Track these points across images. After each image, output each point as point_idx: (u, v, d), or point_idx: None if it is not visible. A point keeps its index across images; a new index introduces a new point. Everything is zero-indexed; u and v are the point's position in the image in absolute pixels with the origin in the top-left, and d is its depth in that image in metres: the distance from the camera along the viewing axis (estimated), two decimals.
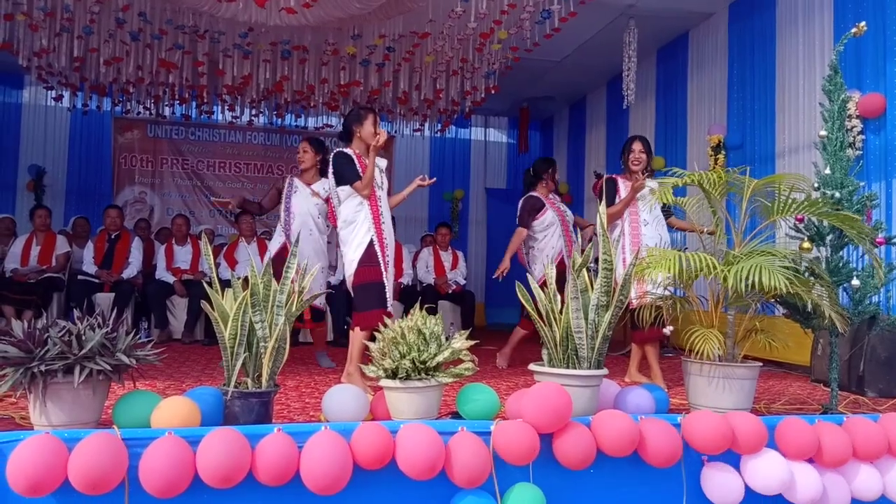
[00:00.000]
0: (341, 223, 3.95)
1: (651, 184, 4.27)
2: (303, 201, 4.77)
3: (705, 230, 3.57)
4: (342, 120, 8.99)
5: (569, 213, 5.23)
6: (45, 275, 6.53)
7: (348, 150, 3.98)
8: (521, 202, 5.13)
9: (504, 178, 10.93)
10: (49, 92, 7.85)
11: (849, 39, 3.41)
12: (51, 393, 2.23)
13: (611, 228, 4.36)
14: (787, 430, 2.64)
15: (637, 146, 4.41)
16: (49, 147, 9.10)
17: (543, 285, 2.98)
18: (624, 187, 4.43)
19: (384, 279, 3.83)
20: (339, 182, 3.92)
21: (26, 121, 9.10)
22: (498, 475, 2.35)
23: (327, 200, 4.67)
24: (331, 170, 3.98)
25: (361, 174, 3.87)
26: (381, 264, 3.84)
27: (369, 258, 3.83)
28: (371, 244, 3.85)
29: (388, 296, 3.84)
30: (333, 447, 2.18)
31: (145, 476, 2.03)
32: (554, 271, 3.50)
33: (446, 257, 7.64)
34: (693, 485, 2.62)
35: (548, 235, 5.06)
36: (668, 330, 3.47)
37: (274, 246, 4.92)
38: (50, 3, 5.84)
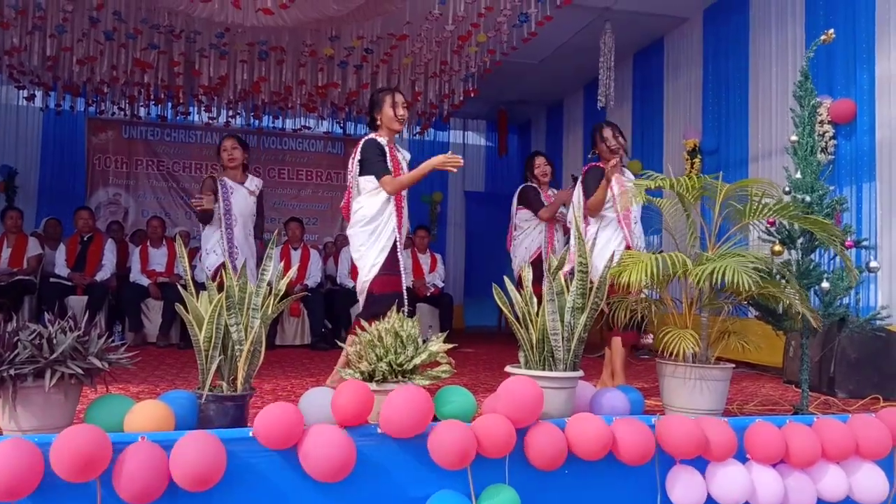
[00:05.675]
0: (359, 218, 3.66)
1: (627, 181, 4.12)
2: (241, 201, 4.66)
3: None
4: (325, 121, 9.01)
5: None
6: (16, 277, 6.43)
7: (380, 139, 3.68)
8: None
9: (482, 181, 10.93)
10: (21, 91, 7.73)
11: (819, 46, 3.47)
12: (21, 397, 2.19)
13: (604, 222, 4.15)
14: (757, 434, 2.67)
15: (608, 132, 4.14)
16: (21, 147, 8.95)
17: (520, 284, 2.99)
18: None
19: (403, 290, 3.63)
20: (364, 171, 3.63)
21: None
22: (473, 475, 2.35)
23: (258, 196, 4.78)
24: (357, 157, 3.68)
25: (391, 167, 3.60)
26: (402, 273, 3.66)
27: (393, 265, 3.64)
28: (394, 249, 3.67)
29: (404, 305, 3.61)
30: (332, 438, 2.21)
31: (119, 482, 2.00)
32: (530, 272, 3.46)
33: (424, 260, 7.64)
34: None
35: (529, 227, 5.12)
36: (648, 339, 3.46)
37: (212, 263, 4.79)
38: (21, 0, 5.75)
